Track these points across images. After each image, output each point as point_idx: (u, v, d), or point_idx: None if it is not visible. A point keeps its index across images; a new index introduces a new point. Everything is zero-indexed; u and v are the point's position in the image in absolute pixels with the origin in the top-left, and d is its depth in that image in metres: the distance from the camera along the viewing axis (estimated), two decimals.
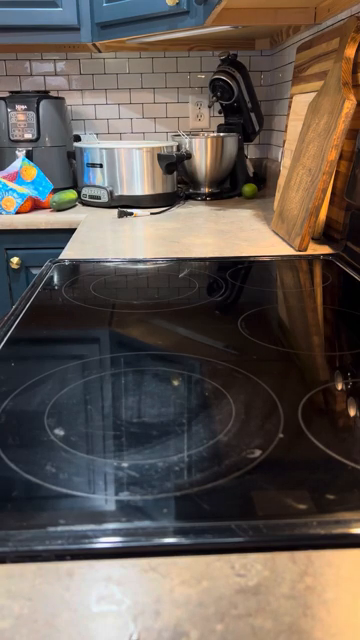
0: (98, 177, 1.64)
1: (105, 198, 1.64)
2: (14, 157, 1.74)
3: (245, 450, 0.41)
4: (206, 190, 1.78)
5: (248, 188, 1.77)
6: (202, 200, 1.77)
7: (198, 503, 0.36)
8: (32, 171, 1.65)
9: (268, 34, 1.87)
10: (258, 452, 0.41)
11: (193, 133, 1.90)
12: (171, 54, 2.01)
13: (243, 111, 1.82)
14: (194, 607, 0.29)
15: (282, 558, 0.32)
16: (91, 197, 1.67)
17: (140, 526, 0.34)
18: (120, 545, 0.33)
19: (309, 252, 1.05)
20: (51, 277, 0.92)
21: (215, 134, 1.84)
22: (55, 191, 1.74)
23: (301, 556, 0.32)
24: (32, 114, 1.73)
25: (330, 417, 0.48)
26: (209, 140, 1.72)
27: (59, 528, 0.34)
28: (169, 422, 0.47)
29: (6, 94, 1.80)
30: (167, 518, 0.35)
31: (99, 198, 1.65)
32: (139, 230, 1.33)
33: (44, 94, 1.79)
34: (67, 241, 1.25)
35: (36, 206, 1.66)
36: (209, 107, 1.95)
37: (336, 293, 0.85)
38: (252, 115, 1.84)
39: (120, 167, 1.61)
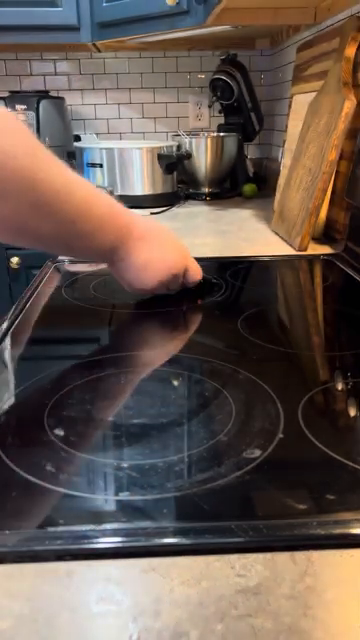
0: (98, 177, 1.64)
1: None
2: None
3: (245, 450, 0.41)
4: (206, 190, 1.78)
5: (248, 188, 1.77)
6: (202, 200, 1.77)
7: (198, 503, 0.36)
8: None
9: (268, 34, 1.87)
10: (258, 452, 0.41)
11: (193, 133, 1.89)
12: (171, 54, 2.01)
13: (243, 111, 1.82)
14: (194, 607, 0.29)
15: (282, 558, 0.32)
16: None
17: (140, 526, 0.34)
18: (120, 545, 0.33)
19: (309, 252, 1.05)
20: (51, 277, 0.92)
21: (215, 134, 1.84)
22: None
23: (301, 556, 0.32)
24: (32, 114, 1.73)
25: (330, 417, 0.48)
26: (209, 140, 1.72)
27: (59, 528, 0.34)
28: (169, 422, 0.47)
29: (6, 94, 1.80)
30: (167, 518, 0.35)
31: None
32: None
33: (44, 94, 1.79)
34: None
35: None
36: (209, 107, 1.94)
37: (336, 293, 0.85)
38: (252, 115, 1.84)
39: (120, 167, 1.61)
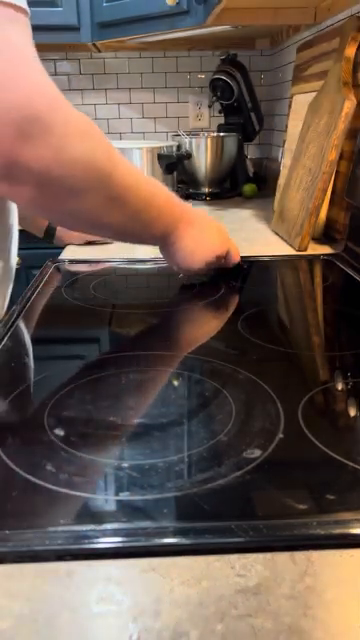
0: None
1: None
2: None
3: (245, 450, 0.41)
4: (206, 190, 1.78)
5: (248, 188, 1.77)
6: (202, 200, 1.77)
7: (198, 503, 0.36)
8: None
9: (268, 34, 1.87)
10: (258, 452, 0.41)
11: (193, 133, 1.89)
12: (171, 54, 2.01)
13: (243, 111, 1.82)
14: (194, 607, 0.29)
15: (282, 558, 0.32)
16: None
17: (140, 526, 0.34)
18: (120, 545, 0.33)
19: (309, 252, 1.05)
20: (51, 277, 0.92)
21: (215, 134, 1.84)
22: None
23: (301, 556, 0.32)
24: None
25: (330, 417, 0.48)
26: (209, 140, 1.72)
27: (59, 528, 0.34)
28: (169, 422, 0.47)
29: None
30: (167, 518, 0.35)
31: None
32: None
33: None
34: None
35: None
36: (209, 107, 1.94)
37: (336, 293, 0.85)
38: (252, 115, 1.84)
39: None
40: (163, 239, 0.76)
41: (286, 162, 1.32)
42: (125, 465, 0.40)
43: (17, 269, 0.86)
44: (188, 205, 0.78)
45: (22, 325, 0.70)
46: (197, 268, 0.80)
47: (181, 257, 0.78)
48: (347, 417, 0.48)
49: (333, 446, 0.42)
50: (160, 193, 0.71)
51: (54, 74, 2.01)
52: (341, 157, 1.07)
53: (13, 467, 0.40)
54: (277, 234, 1.21)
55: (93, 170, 0.57)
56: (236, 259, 0.86)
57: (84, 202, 0.58)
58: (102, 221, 0.64)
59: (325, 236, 1.15)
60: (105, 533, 0.34)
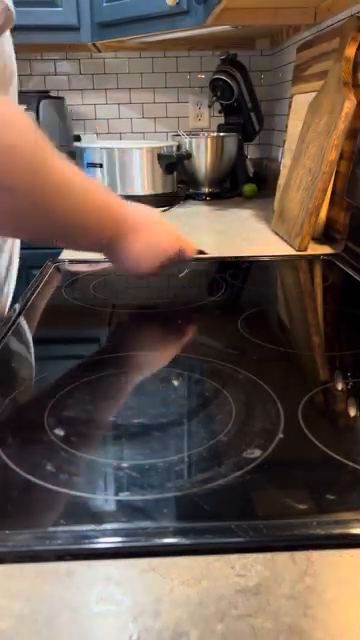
0: (98, 177, 1.64)
1: None
2: None
3: (245, 450, 0.41)
4: (206, 190, 1.78)
5: (248, 188, 1.77)
6: (202, 200, 1.76)
7: (198, 503, 0.36)
8: None
9: (268, 34, 1.87)
10: (258, 452, 0.41)
11: (193, 133, 1.89)
12: (171, 54, 2.01)
13: (243, 111, 1.82)
14: (194, 607, 0.29)
15: (282, 558, 0.32)
16: None
17: (140, 526, 0.34)
18: (120, 545, 0.33)
19: (309, 252, 1.05)
20: (51, 277, 0.92)
21: (215, 134, 1.84)
22: None
23: (301, 556, 0.32)
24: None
25: (330, 417, 0.48)
26: (209, 140, 1.72)
27: (59, 528, 0.34)
28: (169, 422, 0.47)
29: None
30: (167, 518, 0.35)
31: None
32: None
33: (44, 94, 1.79)
34: None
35: None
36: (209, 107, 1.94)
37: (336, 293, 0.85)
38: (252, 115, 1.84)
39: (120, 167, 1.61)
40: (106, 246, 0.70)
41: (286, 162, 1.32)
42: (125, 465, 0.40)
43: (17, 269, 0.86)
44: (131, 205, 0.73)
45: (22, 325, 0.70)
46: (149, 272, 0.75)
47: (130, 264, 0.73)
48: (347, 417, 0.48)
49: (333, 446, 0.42)
50: (97, 196, 0.65)
51: (54, 74, 2.01)
52: (341, 157, 1.07)
53: (13, 467, 0.40)
54: (277, 234, 1.21)
55: (16, 165, 0.51)
56: (192, 254, 0.81)
57: (8, 199, 0.53)
58: (28, 224, 0.58)
59: (325, 236, 1.15)
60: (105, 533, 0.34)
